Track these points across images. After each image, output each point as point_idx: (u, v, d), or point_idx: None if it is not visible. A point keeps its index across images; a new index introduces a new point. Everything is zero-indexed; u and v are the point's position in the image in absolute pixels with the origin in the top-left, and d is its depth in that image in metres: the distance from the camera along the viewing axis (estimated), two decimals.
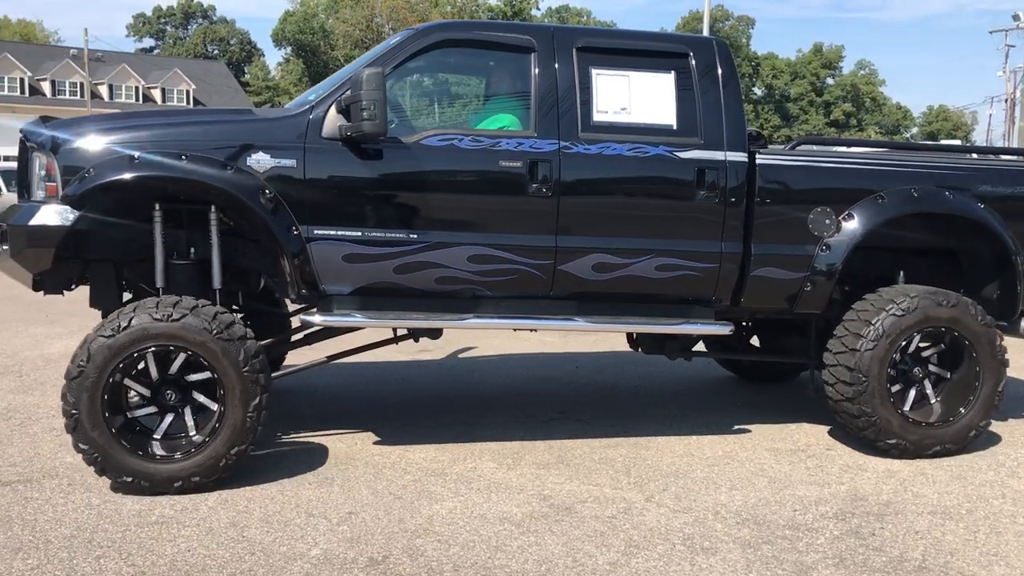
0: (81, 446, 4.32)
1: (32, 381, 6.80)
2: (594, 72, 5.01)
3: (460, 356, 8.03)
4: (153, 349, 4.37)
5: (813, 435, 5.69)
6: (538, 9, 74.79)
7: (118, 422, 4.38)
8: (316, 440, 5.35)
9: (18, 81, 59.96)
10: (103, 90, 63.20)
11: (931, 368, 5.34)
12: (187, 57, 78.16)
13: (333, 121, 4.71)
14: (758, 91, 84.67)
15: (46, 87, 61.10)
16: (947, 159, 5.69)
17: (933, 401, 5.31)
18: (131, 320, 4.33)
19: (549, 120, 4.92)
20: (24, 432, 5.47)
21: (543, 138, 4.89)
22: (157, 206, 4.63)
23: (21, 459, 4.95)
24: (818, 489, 4.70)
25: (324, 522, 4.12)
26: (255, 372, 4.45)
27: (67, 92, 61.48)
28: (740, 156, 5.08)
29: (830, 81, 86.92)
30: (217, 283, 4.73)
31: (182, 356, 4.42)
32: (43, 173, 4.58)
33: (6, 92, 58.48)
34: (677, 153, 5.00)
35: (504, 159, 4.84)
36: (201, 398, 4.52)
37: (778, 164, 5.20)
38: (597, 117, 4.98)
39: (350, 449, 5.19)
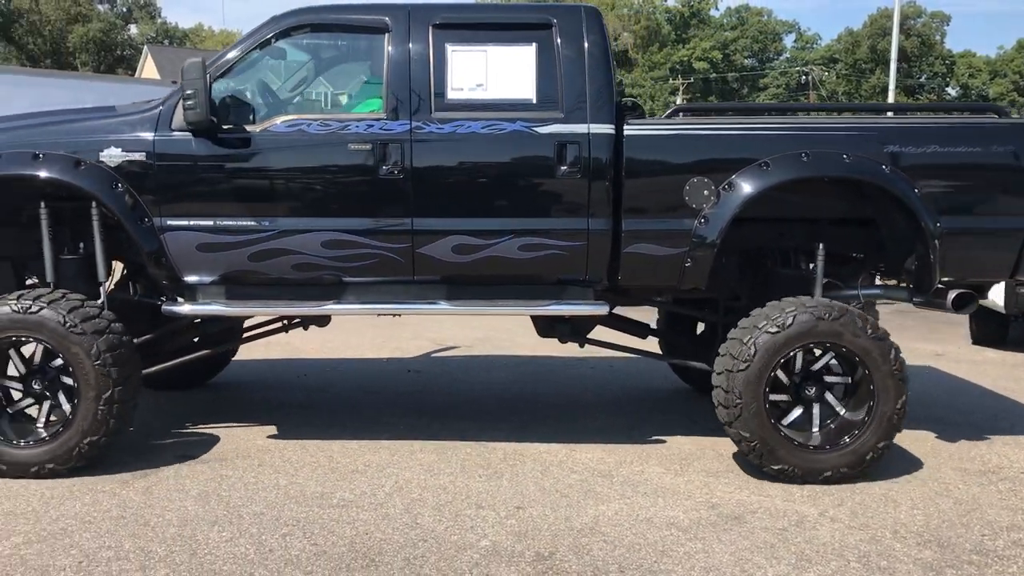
0: None
1: None
2: (450, 49, 4.84)
3: (622, 356, 7.98)
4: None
5: (1007, 456, 5.32)
6: (716, 9, 73.35)
7: None
8: (484, 434, 5.49)
9: None
10: None
11: (825, 387, 4.84)
12: None
13: (181, 113, 4.72)
14: (952, 91, 79.73)
15: None
16: (848, 120, 5.10)
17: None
18: None
19: (400, 100, 4.79)
20: (214, 412, 5.90)
21: (394, 119, 4.78)
22: (42, 204, 4.84)
23: (216, 439, 5.35)
24: (1010, 515, 4.39)
25: (493, 514, 4.22)
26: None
27: None
28: (605, 128, 4.78)
29: None
30: (102, 277, 4.90)
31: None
32: None
33: None
34: (535, 128, 4.77)
35: (353, 142, 4.76)
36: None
37: (648, 135, 4.87)
38: (452, 95, 4.82)
39: (518, 445, 5.29)
